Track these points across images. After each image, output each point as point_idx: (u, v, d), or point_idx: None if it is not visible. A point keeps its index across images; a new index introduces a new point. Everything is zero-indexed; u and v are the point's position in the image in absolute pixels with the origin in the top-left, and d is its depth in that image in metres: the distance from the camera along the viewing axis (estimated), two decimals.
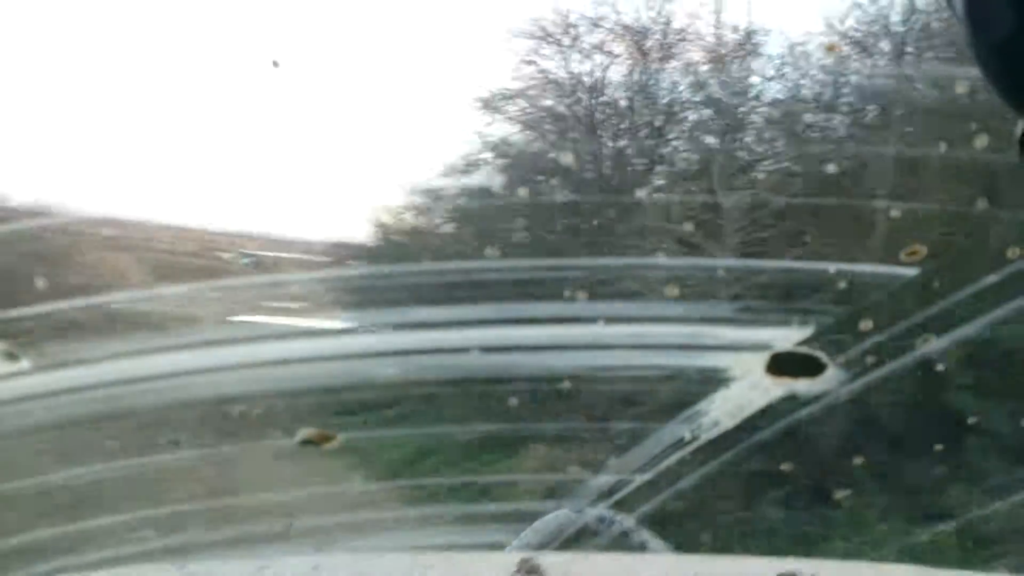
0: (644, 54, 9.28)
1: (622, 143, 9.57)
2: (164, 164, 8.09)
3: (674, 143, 9.57)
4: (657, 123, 9.48)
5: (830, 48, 8.47)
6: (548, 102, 9.75)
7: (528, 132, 9.91)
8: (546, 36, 9.39)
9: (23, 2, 10.29)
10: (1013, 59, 0.70)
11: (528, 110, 9.78)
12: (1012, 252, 4.98)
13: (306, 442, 4.94)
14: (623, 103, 9.65)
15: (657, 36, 9.23)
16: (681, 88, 9.31)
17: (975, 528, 6.05)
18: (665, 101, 9.40)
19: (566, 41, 9.41)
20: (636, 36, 9.29)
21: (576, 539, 2.57)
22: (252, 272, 7.92)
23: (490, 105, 9.51)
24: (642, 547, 2.44)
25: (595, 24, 9.27)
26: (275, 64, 6.36)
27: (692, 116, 9.40)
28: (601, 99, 9.59)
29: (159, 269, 8.23)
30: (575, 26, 9.34)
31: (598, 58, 9.42)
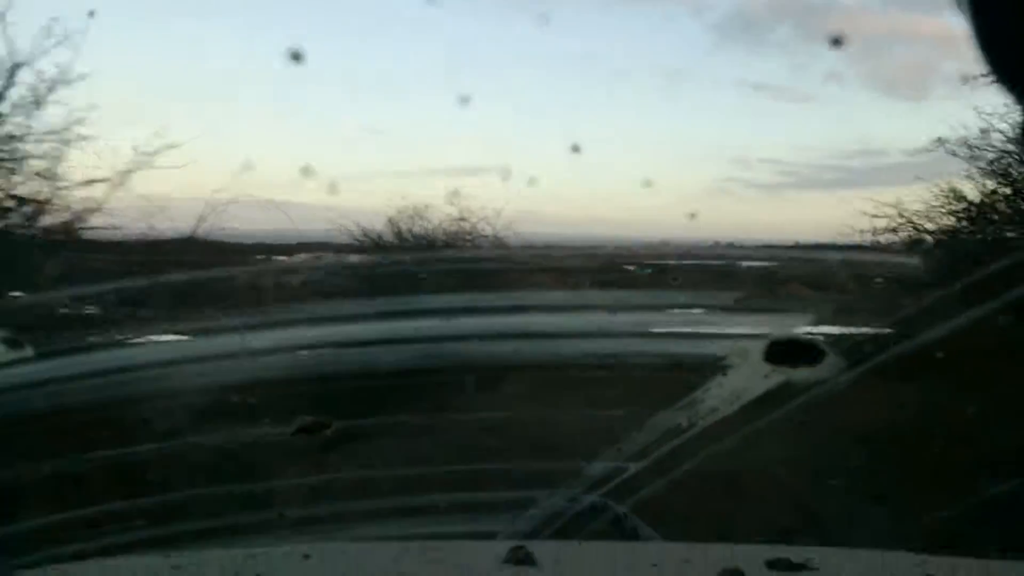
0: None
1: None
2: None
3: None
4: None
5: None
6: None
7: None
8: None
9: None
10: (1013, 48, 0.69)
11: None
12: None
13: (301, 430, 4.87)
14: None
15: None
16: None
17: None
18: None
19: None
20: None
21: (568, 527, 2.54)
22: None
23: None
24: (633, 534, 2.41)
25: None
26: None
27: None
28: None
29: None
30: None
31: None
